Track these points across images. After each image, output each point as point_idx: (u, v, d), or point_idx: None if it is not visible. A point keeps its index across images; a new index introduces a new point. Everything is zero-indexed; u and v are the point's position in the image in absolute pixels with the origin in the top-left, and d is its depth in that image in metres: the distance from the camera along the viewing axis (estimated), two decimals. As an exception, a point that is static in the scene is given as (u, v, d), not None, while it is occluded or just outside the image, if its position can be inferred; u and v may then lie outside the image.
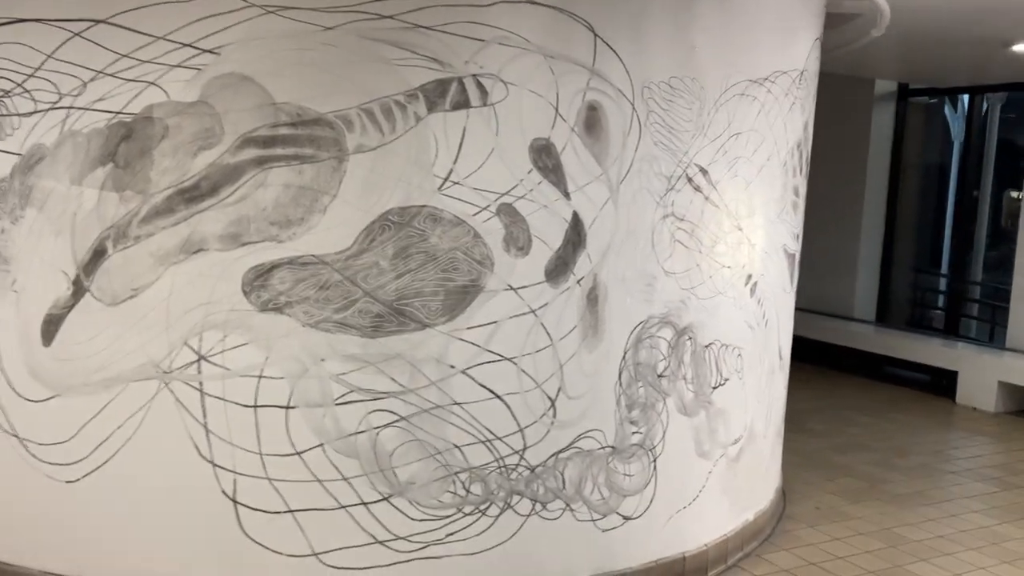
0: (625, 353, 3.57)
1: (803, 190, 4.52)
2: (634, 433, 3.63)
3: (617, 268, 3.50)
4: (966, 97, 9.20)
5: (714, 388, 3.92)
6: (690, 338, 3.78)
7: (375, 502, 3.25)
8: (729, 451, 4.06)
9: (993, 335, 8.63)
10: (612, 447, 3.58)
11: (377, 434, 3.22)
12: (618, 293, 3.52)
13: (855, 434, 6.49)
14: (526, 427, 3.38)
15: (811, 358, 8.79)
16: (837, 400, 7.51)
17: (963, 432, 6.76)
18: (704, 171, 3.71)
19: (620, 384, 3.57)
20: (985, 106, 8.87)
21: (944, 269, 9.45)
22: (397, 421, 3.23)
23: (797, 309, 4.06)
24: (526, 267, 3.30)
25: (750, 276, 4.03)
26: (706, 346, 3.85)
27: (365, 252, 3.15)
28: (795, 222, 4.43)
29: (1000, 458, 6.06)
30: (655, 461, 3.72)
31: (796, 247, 4.51)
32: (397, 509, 3.27)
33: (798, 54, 4.19)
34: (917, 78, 8.76)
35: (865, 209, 9.21)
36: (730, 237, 3.87)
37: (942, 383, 7.92)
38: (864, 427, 6.68)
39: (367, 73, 3.10)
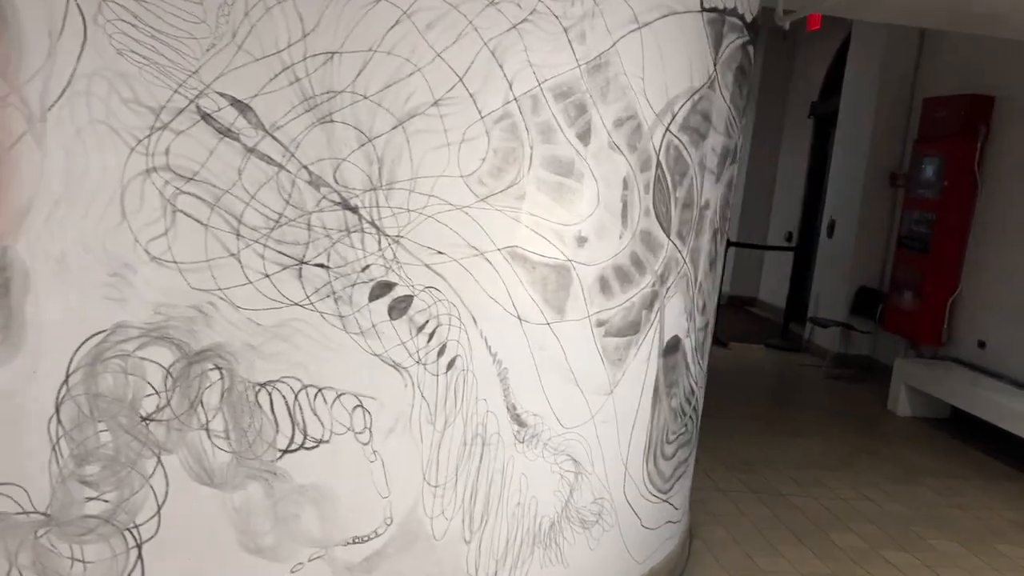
0: (68, 376, 2.32)
1: (598, 169, 2.84)
2: (91, 500, 2.37)
3: (49, 242, 2.26)
4: None
5: (286, 451, 2.51)
6: (219, 368, 2.41)
7: None
8: (338, 553, 2.61)
9: None
10: (45, 515, 2.36)
11: None
12: (51, 281, 2.28)
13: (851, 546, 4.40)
14: None
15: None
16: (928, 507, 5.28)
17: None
18: (245, 107, 2.32)
19: (59, 422, 2.33)
20: None
21: None
22: None
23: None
24: None
25: (389, 286, 2.54)
26: (261, 385, 2.46)
27: None
28: (564, 216, 2.79)
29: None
30: (140, 547, 2.42)
31: (590, 257, 2.86)
32: None
33: (544, -60, 2.58)
34: None
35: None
36: (323, 219, 2.43)
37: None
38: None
39: None
